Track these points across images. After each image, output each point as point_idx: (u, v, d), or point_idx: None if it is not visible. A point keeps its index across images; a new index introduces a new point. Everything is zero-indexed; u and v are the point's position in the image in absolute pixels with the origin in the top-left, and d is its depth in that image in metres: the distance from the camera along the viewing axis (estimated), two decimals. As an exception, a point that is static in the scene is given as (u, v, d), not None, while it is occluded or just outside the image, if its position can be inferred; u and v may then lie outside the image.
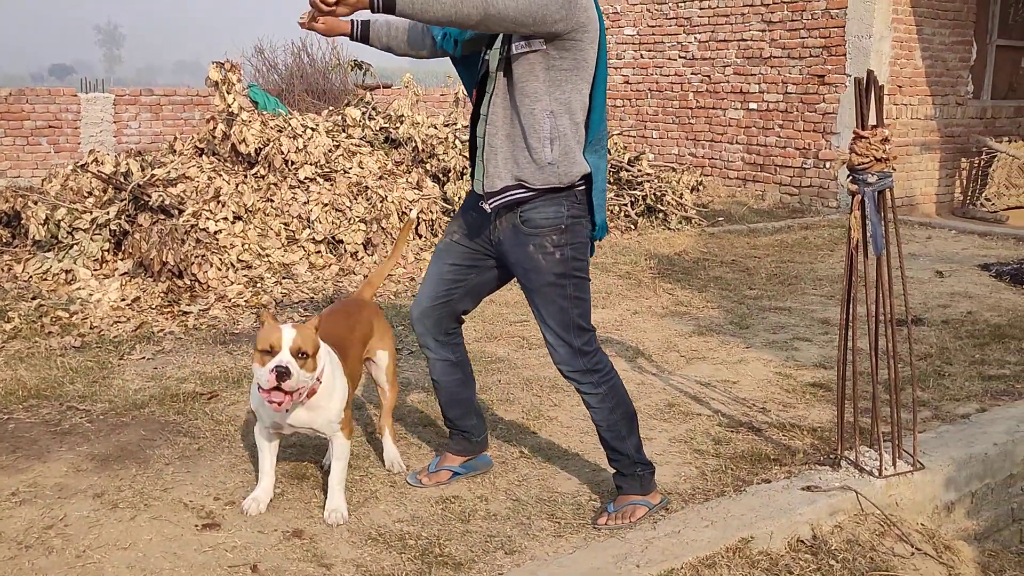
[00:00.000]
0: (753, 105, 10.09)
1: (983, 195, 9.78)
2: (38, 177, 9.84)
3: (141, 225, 5.66)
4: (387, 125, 7.62)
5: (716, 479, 3.14)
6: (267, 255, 5.94)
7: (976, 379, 4.22)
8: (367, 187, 6.62)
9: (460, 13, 2.35)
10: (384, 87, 12.84)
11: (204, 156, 6.75)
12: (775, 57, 9.81)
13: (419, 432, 3.55)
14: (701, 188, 9.22)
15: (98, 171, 6.24)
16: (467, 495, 3.00)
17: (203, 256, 5.56)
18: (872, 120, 3.01)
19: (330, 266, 6.02)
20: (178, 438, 3.40)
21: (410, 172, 7.14)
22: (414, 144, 7.42)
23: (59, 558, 2.56)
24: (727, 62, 10.31)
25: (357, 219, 6.35)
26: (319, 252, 6.11)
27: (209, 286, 5.42)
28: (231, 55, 7.58)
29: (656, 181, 8.38)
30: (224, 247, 5.79)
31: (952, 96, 9.75)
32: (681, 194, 8.51)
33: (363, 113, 7.76)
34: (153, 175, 6.17)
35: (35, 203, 6.01)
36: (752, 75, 10.07)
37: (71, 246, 5.74)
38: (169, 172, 6.27)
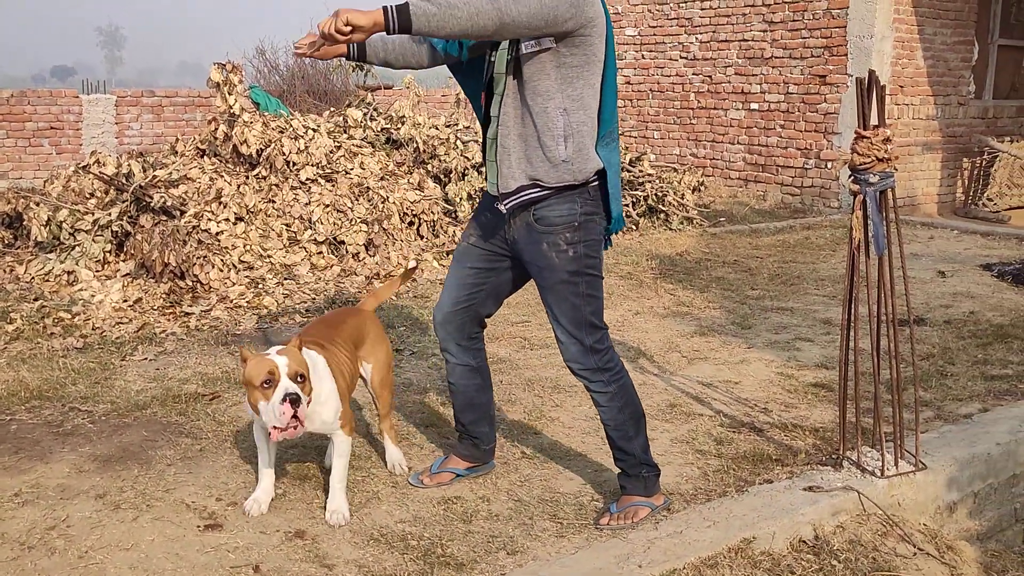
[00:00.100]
0: (754, 105, 10.09)
1: (985, 195, 9.78)
2: (40, 178, 9.85)
3: (143, 226, 5.66)
4: (388, 126, 7.63)
5: (718, 479, 3.14)
6: (269, 256, 5.94)
7: (978, 379, 4.21)
8: (368, 188, 6.62)
9: (476, 26, 2.36)
10: (385, 88, 12.85)
11: (206, 157, 6.75)
12: (776, 57, 9.81)
13: (422, 432, 3.55)
14: (703, 188, 9.22)
15: (100, 172, 6.25)
16: (469, 496, 3.00)
17: (205, 257, 5.56)
18: (874, 120, 3.01)
19: (332, 267, 6.02)
20: (180, 439, 3.40)
21: (411, 173, 7.15)
22: (415, 145, 7.42)
23: (61, 559, 2.56)
24: (728, 62, 10.30)
25: (359, 220, 6.36)
26: (321, 253, 6.11)
27: (211, 287, 5.42)
28: (232, 56, 7.59)
29: (657, 181, 8.38)
30: (226, 248, 5.79)
31: (954, 96, 9.74)
32: (683, 194, 8.51)
33: (364, 114, 7.76)
34: (155, 176, 6.17)
35: (37, 204, 6.02)
36: (753, 75, 10.06)
37: (73, 247, 5.74)
38: (171, 173, 6.27)
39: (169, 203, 5.82)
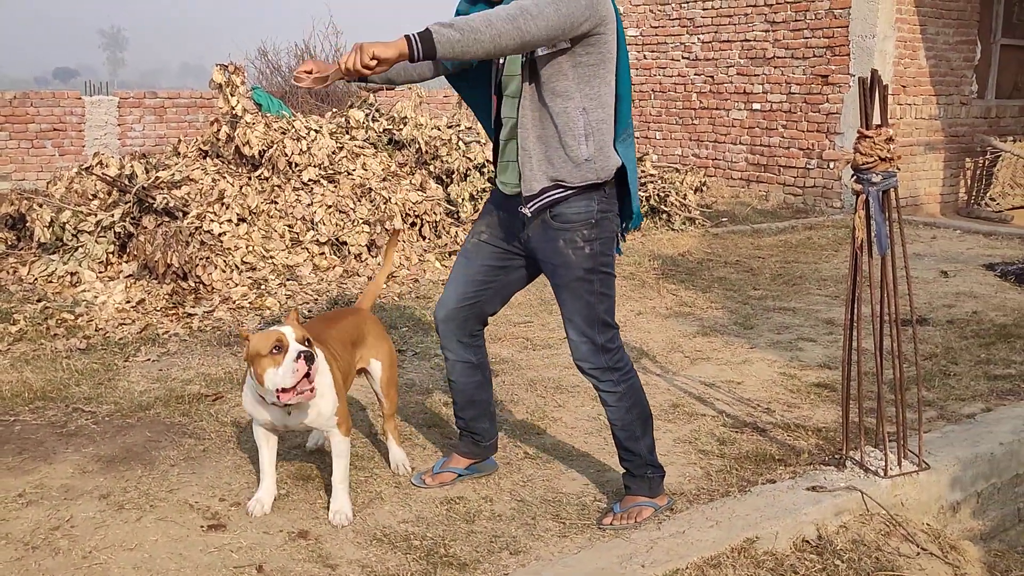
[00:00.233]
0: (757, 105, 10.08)
1: (988, 195, 9.77)
2: (43, 180, 9.86)
3: (146, 227, 5.67)
4: (390, 127, 7.63)
5: (721, 479, 3.14)
6: (271, 257, 5.95)
7: (981, 379, 4.21)
8: (371, 189, 6.62)
9: (499, 46, 2.36)
10: (387, 88, 12.85)
11: (208, 158, 6.76)
12: (779, 57, 9.81)
13: (424, 433, 3.55)
14: (705, 189, 9.22)
15: (103, 174, 6.26)
16: (472, 496, 3.00)
17: (207, 258, 5.57)
18: (876, 120, 3.01)
19: (334, 268, 6.03)
20: (183, 439, 3.41)
21: (413, 174, 7.15)
22: (418, 146, 7.43)
23: (65, 559, 2.57)
24: (730, 62, 10.30)
25: (361, 221, 6.36)
26: (323, 254, 6.12)
27: (213, 288, 5.43)
28: (235, 57, 7.61)
29: (660, 182, 8.38)
30: (228, 249, 5.80)
31: (956, 96, 9.74)
32: (685, 195, 8.50)
33: (366, 115, 7.77)
34: (157, 177, 6.18)
35: (40, 206, 6.03)
36: (755, 75, 10.06)
37: (76, 248, 5.75)
38: (173, 174, 6.28)
39: (172, 204, 5.83)
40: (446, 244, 6.66)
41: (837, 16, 9.21)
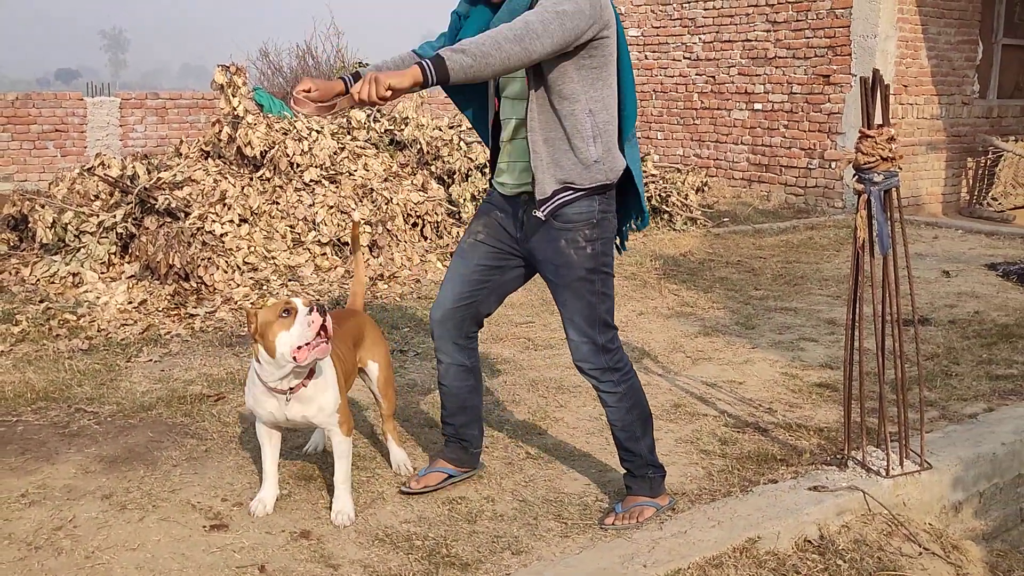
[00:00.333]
0: (758, 105, 10.08)
1: (989, 194, 9.76)
2: (45, 181, 9.88)
3: (148, 228, 5.68)
4: (392, 127, 7.64)
5: (722, 479, 3.14)
6: (273, 257, 5.95)
7: (983, 379, 4.21)
8: (372, 189, 6.63)
9: (509, 66, 2.40)
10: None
11: (210, 159, 6.77)
12: (780, 57, 9.81)
13: (426, 433, 3.56)
14: (706, 189, 9.22)
15: (104, 174, 6.26)
16: (473, 496, 3.00)
17: (209, 259, 5.57)
18: (878, 119, 3.01)
19: (336, 268, 6.03)
20: (185, 440, 3.41)
21: (415, 174, 7.15)
22: (419, 146, 7.43)
23: (68, 559, 2.57)
24: (732, 63, 10.30)
25: (362, 221, 6.36)
26: (325, 254, 6.12)
27: (215, 288, 5.43)
28: (236, 58, 7.62)
29: (661, 182, 8.38)
30: (230, 250, 5.80)
31: (958, 95, 9.73)
32: (686, 195, 8.50)
33: (368, 115, 7.77)
34: (159, 178, 6.19)
35: (42, 206, 6.04)
36: (757, 75, 10.06)
37: (78, 249, 5.76)
38: (175, 175, 6.29)
39: (174, 205, 5.84)
40: (448, 245, 6.66)
41: (839, 16, 9.21)
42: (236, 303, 5.27)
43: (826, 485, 3.01)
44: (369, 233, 6.29)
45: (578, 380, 3.97)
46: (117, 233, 5.76)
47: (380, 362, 3.14)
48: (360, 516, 2.84)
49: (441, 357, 2.97)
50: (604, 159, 2.63)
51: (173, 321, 4.95)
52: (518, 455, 3.34)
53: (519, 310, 5.26)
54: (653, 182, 8.29)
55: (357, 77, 2.79)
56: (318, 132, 7.01)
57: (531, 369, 4.31)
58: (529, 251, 2.78)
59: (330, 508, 2.85)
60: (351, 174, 6.77)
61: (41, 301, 5.19)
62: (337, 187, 6.60)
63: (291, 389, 2.71)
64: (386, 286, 5.80)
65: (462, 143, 7.59)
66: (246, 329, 3.31)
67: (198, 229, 5.81)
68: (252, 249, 5.91)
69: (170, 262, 5.43)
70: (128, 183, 6.11)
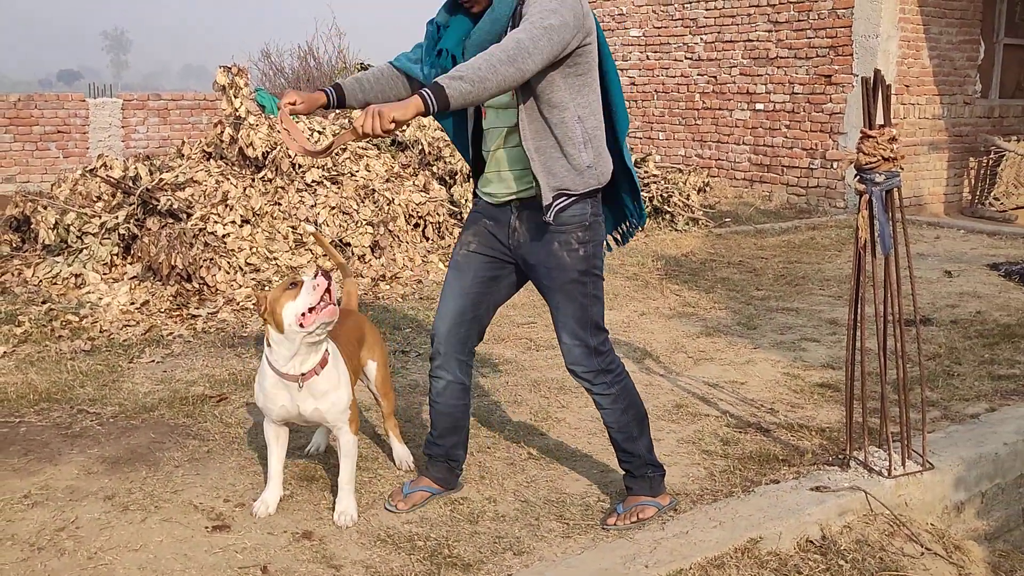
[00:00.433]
0: (760, 106, 10.08)
1: (991, 194, 9.75)
2: (47, 182, 9.89)
3: (150, 229, 5.68)
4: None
5: (724, 480, 3.14)
6: (275, 258, 5.95)
7: (985, 379, 4.21)
8: (374, 190, 6.63)
9: (504, 88, 2.43)
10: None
11: (212, 160, 6.77)
12: (781, 57, 9.80)
13: (426, 434, 3.55)
14: (708, 189, 9.22)
15: (107, 175, 6.27)
16: (475, 496, 3.01)
17: (211, 259, 5.58)
18: (879, 120, 3.01)
19: (337, 269, 6.03)
20: (188, 441, 3.42)
21: (417, 175, 7.16)
22: (421, 147, 7.44)
23: (71, 560, 2.58)
24: (733, 63, 10.30)
25: (364, 222, 6.37)
26: (326, 255, 6.12)
27: (217, 289, 5.44)
28: (238, 59, 7.62)
29: (663, 182, 8.38)
30: (232, 250, 5.81)
31: (960, 95, 9.73)
32: (688, 195, 8.50)
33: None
34: (161, 179, 6.19)
35: (44, 208, 6.05)
36: (758, 76, 10.06)
37: (80, 250, 5.77)
38: (177, 176, 6.29)
39: (176, 206, 5.85)
40: (449, 245, 6.67)
41: (840, 16, 9.21)
42: (238, 304, 5.27)
43: (828, 485, 3.01)
44: (371, 234, 6.30)
45: (580, 380, 3.97)
46: (119, 234, 5.76)
47: (379, 361, 3.17)
48: (362, 517, 2.84)
49: (441, 375, 2.90)
50: (596, 164, 2.67)
51: (175, 322, 4.96)
52: (520, 456, 3.34)
53: (521, 310, 5.27)
54: (655, 182, 8.29)
55: (337, 88, 2.80)
56: (319, 133, 7.02)
57: (533, 369, 4.31)
58: (522, 257, 2.78)
59: (332, 509, 2.85)
60: (353, 175, 6.77)
61: (43, 302, 5.20)
62: (339, 188, 6.60)
63: (303, 376, 2.71)
64: (388, 287, 5.80)
65: (464, 144, 7.59)
66: (257, 311, 3.32)
67: (200, 230, 5.82)
68: (254, 250, 5.91)
69: (172, 263, 5.44)
70: (130, 184, 6.12)
